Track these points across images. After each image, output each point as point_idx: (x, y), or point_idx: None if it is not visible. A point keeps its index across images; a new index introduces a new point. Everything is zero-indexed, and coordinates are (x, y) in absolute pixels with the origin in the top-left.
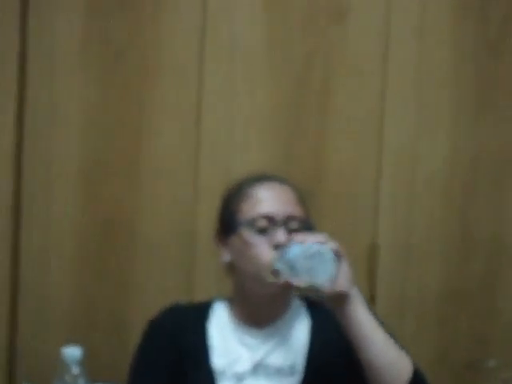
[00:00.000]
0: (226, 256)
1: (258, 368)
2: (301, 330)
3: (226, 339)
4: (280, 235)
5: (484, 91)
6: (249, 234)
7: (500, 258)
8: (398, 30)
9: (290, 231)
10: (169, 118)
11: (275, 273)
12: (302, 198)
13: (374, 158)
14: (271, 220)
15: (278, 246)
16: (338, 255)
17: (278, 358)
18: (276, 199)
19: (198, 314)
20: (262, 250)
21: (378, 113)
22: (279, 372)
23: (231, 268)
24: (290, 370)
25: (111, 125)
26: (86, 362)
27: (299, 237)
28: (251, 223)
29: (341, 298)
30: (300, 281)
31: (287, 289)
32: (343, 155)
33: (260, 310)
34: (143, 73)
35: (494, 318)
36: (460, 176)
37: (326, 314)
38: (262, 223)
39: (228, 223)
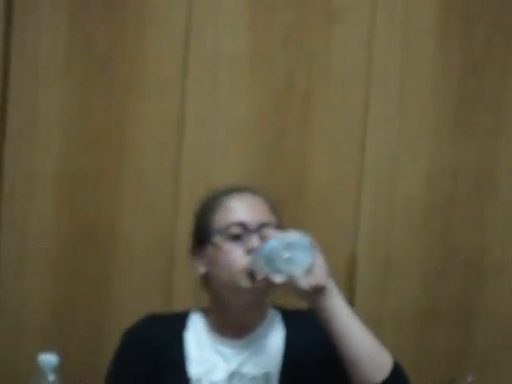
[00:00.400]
0: (202, 268)
1: (233, 377)
2: (276, 339)
3: (202, 349)
4: (254, 241)
5: (465, 107)
6: (222, 242)
7: (479, 275)
8: (382, 43)
9: (264, 238)
10: (151, 128)
11: (251, 275)
12: (275, 208)
13: (355, 171)
14: (244, 227)
15: (251, 251)
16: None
17: (252, 367)
18: (249, 208)
19: (175, 324)
20: (236, 255)
21: (360, 127)
22: (254, 380)
23: (207, 280)
24: (265, 379)
25: (93, 134)
26: (61, 370)
27: (274, 232)
28: (224, 231)
29: (318, 291)
30: (278, 276)
31: (263, 293)
32: (325, 167)
33: (236, 320)
34: (126, 84)
35: (472, 333)
36: (440, 191)
37: (301, 323)
38: (236, 230)
39: (202, 234)
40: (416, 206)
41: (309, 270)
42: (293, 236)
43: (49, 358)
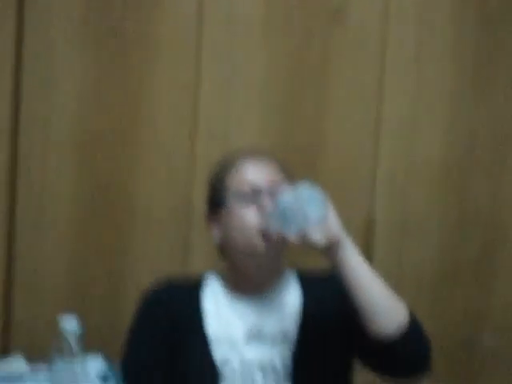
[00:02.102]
0: (217, 234)
1: (251, 335)
2: (292, 298)
3: (220, 308)
4: (266, 201)
5: (483, 68)
6: (235, 205)
7: (497, 235)
8: (398, 3)
9: (275, 197)
10: (167, 91)
11: (265, 236)
12: (289, 171)
13: (373, 132)
14: (256, 189)
15: (264, 212)
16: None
17: (270, 326)
18: (261, 170)
19: (192, 286)
20: (249, 217)
21: (377, 89)
22: (272, 339)
23: (223, 246)
24: (283, 338)
25: (109, 96)
26: (81, 332)
27: (286, 188)
28: (237, 194)
29: (333, 245)
30: (292, 233)
31: (278, 253)
32: (341, 130)
33: (252, 280)
34: (142, 47)
35: (490, 294)
36: (458, 153)
37: (317, 282)
38: (248, 192)
39: (215, 199)
40: (434, 167)
41: (322, 222)
42: (304, 189)
43: (70, 321)
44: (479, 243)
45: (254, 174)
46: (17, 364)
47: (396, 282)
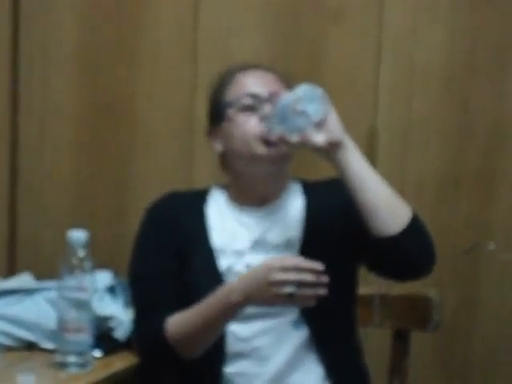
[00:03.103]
0: (219, 147)
1: (256, 245)
2: (296, 207)
3: (224, 219)
4: (266, 108)
5: None
6: (236, 114)
7: (499, 144)
8: None
9: (275, 101)
10: (168, 4)
11: (266, 142)
12: (289, 83)
13: (373, 43)
14: (256, 97)
15: (264, 118)
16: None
17: (275, 235)
18: (261, 80)
19: (196, 199)
20: (250, 124)
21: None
22: (277, 247)
23: (225, 159)
24: (287, 245)
25: (110, 9)
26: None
27: (285, 92)
28: (236, 102)
29: (334, 146)
30: (293, 134)
31: (281, 160)
32: (343, 40)
33: (256, 191)
34: None
35: (493, 202)
36: (459, 62)
37: (321, 190)
38: (248, 101)
39: (216, 111)
40: (435, 76)
41: (323, 121)
42: (303, 89)
43: (79, 235)
44: (481, 150)
45: (253, 83)
46: (24, 280)
47: (399, 191)
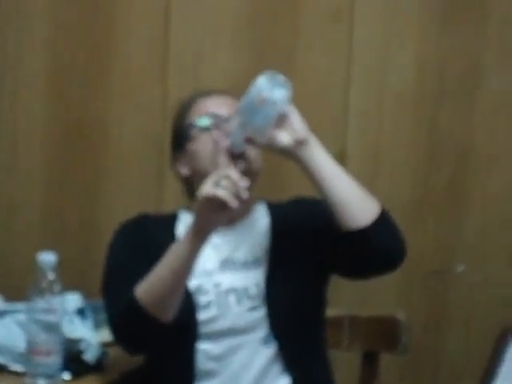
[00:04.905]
0: (185, 170)
1: (225, 264)
2: (262, 226)
3: None
4: (228, 126)
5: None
6: (199, 134)
7: (467, 165)
8: None
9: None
10: (137, 24)
11: (232, 155)
12: None
13: (343, 66)
14: (217, 117)
15: (227, 134)
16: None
17: (243, 253)
18: (221, 102)
19: (166, 221)
20: (214, 140)
21: (347, 21)
22: (245, 265)
23: (192, 179)
24: (255, 262)
25: (81, 31)
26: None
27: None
28: (198, 122)
29: (300, 144)
30: (258, 134)
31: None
32: (312, 63)
33: None
34: None
35: (461, 224)
36: (428, 85)
37: (284, 207)
38: (209, 121)
39: (179, 136)
40: (405, 99)
41: (288, 103)
42: (264, 77)
43: (48, 257)
44: (450, 175)
45: (214, 105)
46: None
47: None
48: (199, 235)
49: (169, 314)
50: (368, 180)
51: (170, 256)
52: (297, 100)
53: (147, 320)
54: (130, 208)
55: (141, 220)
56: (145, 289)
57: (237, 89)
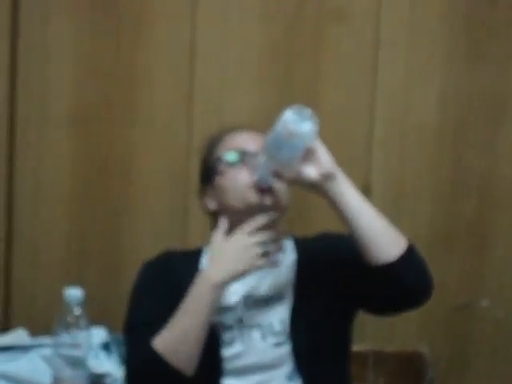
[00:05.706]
0: (212, 204)
1: (248, 298)
2: (288, 262)
3: None
4: (255, 160)
5: (476, 31)
6: (227, 168)
7: (491, 200)
8: None
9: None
10: (163, 62)
11: (260, 189)
12: None
13: (367, 102)
14: (245, 153)
15: (255, 168)
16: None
17: (267, 288)
18: (248, 137)
19: (191, 258)
20: (242, 175)
21: (372, 58)
22: (269, 301)
23: (219, 213)
24: (279, 298)
25: (105, 70)
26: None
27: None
28: (226, 157)
29: (327, 179)
30: (286, 169)
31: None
32: (336, 97)
33: None
34: (135, 21)
35: (486, 258)
36: (452, 118)
37: (310, 243)
38: (237, 156)
39: (207, 170)
40: (428, 132)
41: (315, 137)
42: (291, 111)
43: (75, 292)
44: (474, 207)
45: (242, 140)
46: (19, 336)
47: None
48: (227, 279)
49: (193, 366)
50: (392, 214)
51: (190, 303)
52: (321, 135)
53: (169, 374)
54: (153, 244)
55: (165, 258)
56: (164, 338)
57: (261, 125)
